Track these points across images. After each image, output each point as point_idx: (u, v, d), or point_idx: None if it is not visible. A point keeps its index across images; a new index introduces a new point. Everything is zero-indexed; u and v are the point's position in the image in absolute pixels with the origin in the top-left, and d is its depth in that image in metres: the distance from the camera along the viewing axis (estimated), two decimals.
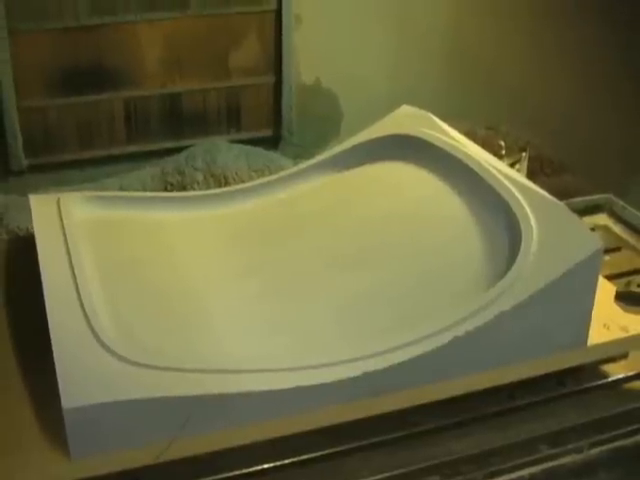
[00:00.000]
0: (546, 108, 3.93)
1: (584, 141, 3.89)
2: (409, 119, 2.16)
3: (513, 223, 1.76)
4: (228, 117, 3.44)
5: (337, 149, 2.19)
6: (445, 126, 2.11)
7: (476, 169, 1.90)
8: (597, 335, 1.78)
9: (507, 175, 1.90)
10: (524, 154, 2.59)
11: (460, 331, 1.56)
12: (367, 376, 1.51)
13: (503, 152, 2.52)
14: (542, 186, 1.90)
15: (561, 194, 1.99)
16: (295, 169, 2.19)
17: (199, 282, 1.78)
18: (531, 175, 3.27)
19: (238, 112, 3.45)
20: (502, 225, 1.78)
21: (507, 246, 1.74)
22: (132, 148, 3.33)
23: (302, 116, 3.52)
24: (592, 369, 1.76)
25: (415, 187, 1.99)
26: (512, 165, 2.41)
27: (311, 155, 2.35)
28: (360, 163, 2.12)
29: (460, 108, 3.33)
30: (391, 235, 1.88)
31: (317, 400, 1.49)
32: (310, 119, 3.54)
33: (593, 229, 2.25)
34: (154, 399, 1.39)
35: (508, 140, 3.33)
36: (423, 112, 2.19)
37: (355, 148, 2.15)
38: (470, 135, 2.31)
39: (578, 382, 1.73)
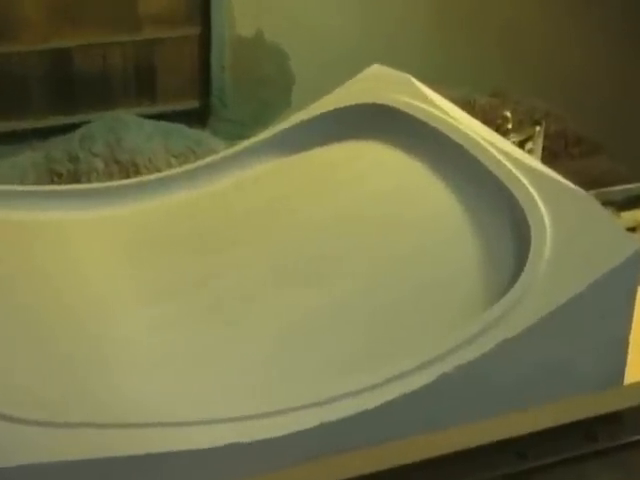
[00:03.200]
0: (573, 69, 3.99)
1: (623, 113, 3.96)
2: (381, 84, 2.19)
3: (520, 222, 1.79)
4: (138, 83, 3.47)
5: (285, 125, 2.21)
6: (430, 93, 2.15)
7: (471, 150, 1.94)
8: (638, 371, 1.81)
9: (513, 158, 1.94)
10: (538, 129, 2.65)
11: (449, 366, 1.58)
12: (327, 428, 1.53)
13: (509, 126, 2.58)
14: (566, 171, 1.94)
15: (592, 182, 2.02)
16: (229, 153, 2.21)
17: (98, 307, 1.80)
18: (552, 157, 3.33)
19: (152, 76, 3.48)
20: (506, 224, 1.82)
21: (512, 252, 1.77)
22: (5, 125, 3.32)
23: (239, 81, 3.57)
24: (632, 418, 1.79)
25: (389, 176, 2.03)
26: (522, 144, 2.48)
27: (251, 134, 2.39)
28: (316, 144, 2.16)
29: (453, 70, 3.39)
30: (357, 240, 1.91)
31: (263, 460, 1.52)
32: (250, 85, 3.59)
33: (634, 228, 2.31)
34: (40, 465, 1.41)
35: (519, 111, 3.37)
36: (401, 74, 2.22)
37: (309, 124, 2.18)
38: (467, 104, 2.34)
39: (613, 436, 1.75)
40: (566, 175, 1.88)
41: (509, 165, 1.91)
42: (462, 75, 3.37)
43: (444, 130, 2.01)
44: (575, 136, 3.84)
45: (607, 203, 2.36)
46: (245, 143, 2.23)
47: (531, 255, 1.72)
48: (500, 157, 1.93)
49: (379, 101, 2.13)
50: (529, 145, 2.57)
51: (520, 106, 3.60)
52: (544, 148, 3.10)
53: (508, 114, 2.62)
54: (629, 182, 2.57)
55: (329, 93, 2.25)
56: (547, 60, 3.97)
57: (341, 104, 2.18)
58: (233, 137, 3.30)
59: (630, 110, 3.99)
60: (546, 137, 3.14)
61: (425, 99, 2.12)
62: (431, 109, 2.08)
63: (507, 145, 2.03)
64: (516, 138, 2.51)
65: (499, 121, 2.56)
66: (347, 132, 2.14)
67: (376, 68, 2.27)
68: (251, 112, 3.55)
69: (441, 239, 1.87)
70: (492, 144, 1.97)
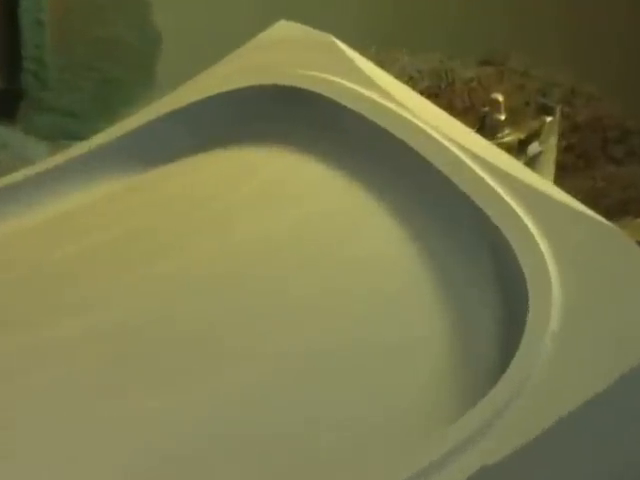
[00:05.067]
0: (613, 22, 4.07)
1: None
2: (289, 51, 2.22)
3: (509, 274, 1.78)
4: None
5: (140, 120, 2.23)
6: (364, 64, 2.16)
7: (429, 157, 1.93)
8: None
9: (498, 169, 1.92)
10: (550, 120, 2.63)
11: None
12: None
13: (502, 117, 2.56)
14: (604, 183, 1.92)
15: None
16: (51, 164, 2.21)
17: None
18: (582, 161, 3.36)
19: None
20: (486, 278, 1.81)
21: (495, 324, 1.76)
22: None
23: (68, 47, 3.56)
24: None
25: (301, 199, 2.03)
26: (522, 144, 2.46)
27: (90, 131, 2.39)
28: (187, 151, 2.18)
29: (418, 24, 3.41)
30: (247, 304, 1.89)
31: None
32: (87, 54, 3.56)
33: None
34: None
35: (527, 89, 3.43)
36: (319, 35, 2.25)
37: (177, 118, 2.20)
38: (439, 79, 2.31)
39: None
40: (603, 190, 1.87)
41: (490, 181, 1.88)
42: (434, 33, 3.39)
43: (386, 126, 2.00)
44: (619, 127, 3.85)
45: None
46: (76, 149, 2.23)
47: (527, 330, 1.68)
48: (476, 168, 1.91)
49: (282, 81, 2.14)
50: (534, 147, 2.55)
51: (529, 81, 3.61)
52: (569, 147, 3.11)
53: (499, 97, 2.59)
54: None
55: (212, 66, 2.27)
56: (572, 9, 4.06)
57: (227, 86, 2.18)
58: (58, 136, 3.30)
59: None
60: (573, 130, 3.17)
61: (356, 74, 2.12)
62: (365, 91, 2.07)
63: (489, 149, 2.02)
64: (513, 136, 2.49)
65: (485, 108, 2.55)
66: (236, 130, 2.15)
67: (283, 26, 2.28)
68: (88, 97, 3.53)
69: (383, 302, 1.85)
70: (463, 147, 1.95)
